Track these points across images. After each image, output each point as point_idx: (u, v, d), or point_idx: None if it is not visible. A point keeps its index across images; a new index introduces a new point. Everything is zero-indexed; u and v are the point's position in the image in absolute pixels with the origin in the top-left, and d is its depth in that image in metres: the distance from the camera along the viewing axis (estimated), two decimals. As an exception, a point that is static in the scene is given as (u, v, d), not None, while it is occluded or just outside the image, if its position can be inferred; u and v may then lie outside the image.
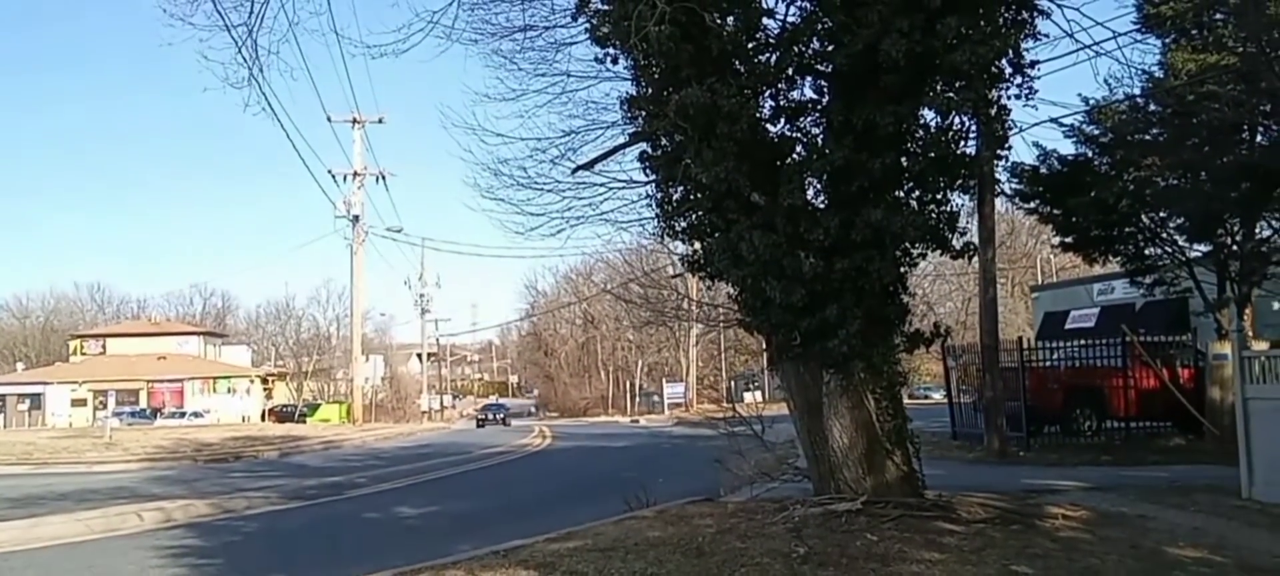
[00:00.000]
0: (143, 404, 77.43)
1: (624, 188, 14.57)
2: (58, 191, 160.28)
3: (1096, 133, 21.68)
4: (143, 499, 18.45)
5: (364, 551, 11.87)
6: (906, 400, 11.92)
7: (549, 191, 14.75)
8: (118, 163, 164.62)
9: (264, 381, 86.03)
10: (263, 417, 75.29)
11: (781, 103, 10.92)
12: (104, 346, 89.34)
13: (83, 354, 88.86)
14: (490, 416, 69.25)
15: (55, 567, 11.64)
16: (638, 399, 78.07)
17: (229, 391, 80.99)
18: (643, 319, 75.79)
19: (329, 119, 51.27)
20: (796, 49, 10.49)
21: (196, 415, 71.20)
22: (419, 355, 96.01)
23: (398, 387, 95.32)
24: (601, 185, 14.61)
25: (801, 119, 10.96)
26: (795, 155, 10.78)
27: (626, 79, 11.75)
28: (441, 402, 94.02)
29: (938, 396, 47.40)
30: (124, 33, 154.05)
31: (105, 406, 72.02)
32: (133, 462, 31.65)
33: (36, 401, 77.96)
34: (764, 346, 13.04)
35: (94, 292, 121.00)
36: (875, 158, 9.87)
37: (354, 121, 54.36)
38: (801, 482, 12.37)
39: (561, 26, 13.01)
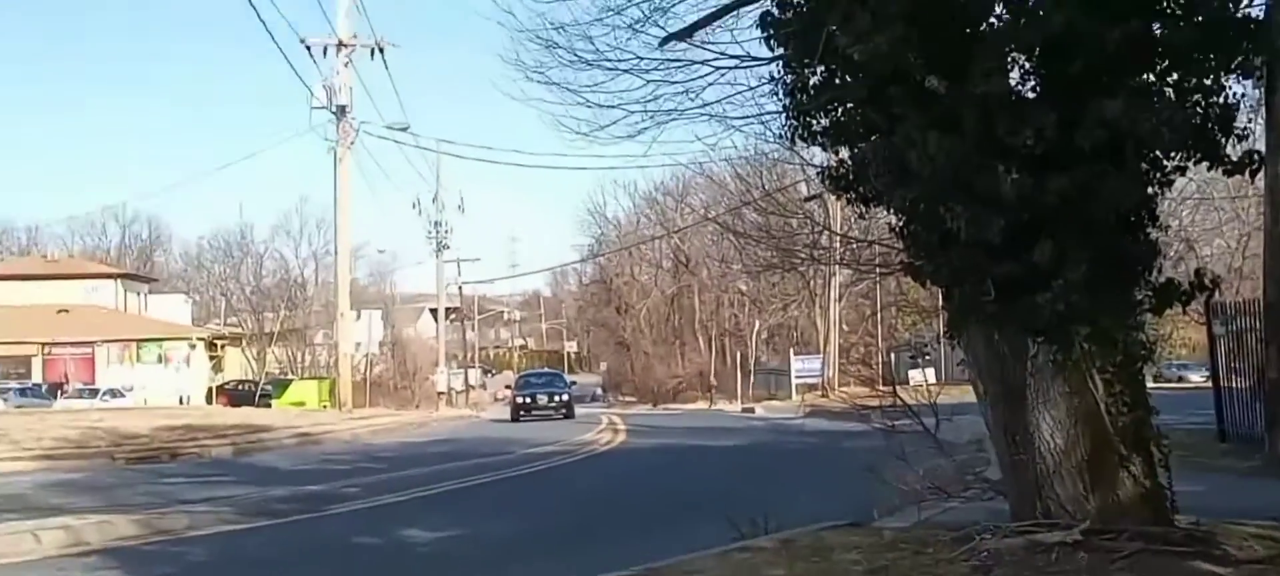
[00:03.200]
0: (36, 378, 78.70)
1: (736, 67, 14.56)
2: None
3: None
4: (39, 512, 18.72)
5: None
6: (1151, 383, 11.81)
7: (626, 72, 14.80)
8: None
9: (211, 347, 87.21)
10: (210, 399, 76.36)
11: (975, -55, 10.85)
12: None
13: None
14: (532, 401, 63.23)
15: None
16: (752, 377, 78.01)
17: (160, 360, 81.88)
18: (762, 261, 75.76)
19: (304, -36, 51.52)
20: None
21: (115, 394, 72.25)
22: (434, 311, 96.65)
23: (404, 357, 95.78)
24: (703, 64, 14.63)
25: (1005, -35, 10.87)
26: (994, 21, 10.68)
27: (743, -95, 11.74)
28: (467, 380, 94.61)
29: (1197, 377, 46.68)
30: None
31: (-22, 382, 73.57)
32: (25, 461, 32.42)
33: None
34: (940, 303, 12.97)
35: None
36: (1114, 24, 9.73)
37: (339, -31, 54.60)
38: (993, 501, 12.38)
39: None
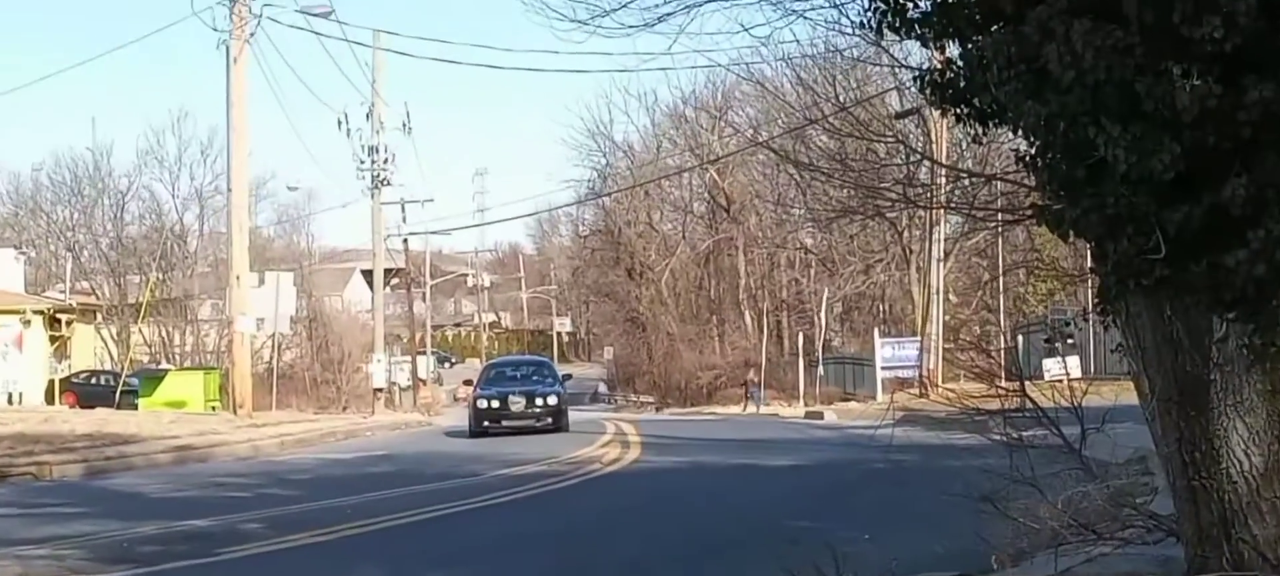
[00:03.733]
0: None
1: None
2: None
3: None
4: None
5: None
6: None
7: (644, -70, 14.86)
8: None
9: (52, 323, 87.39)
10: (51, 397, 76.65)
11: None
12: None
13: None
14: (502, 405, 56.58)
15: None
16: (820, 370, 77.87)
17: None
18: (835, 204, 75.47)
19: None
20: None
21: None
22: (368, 274, 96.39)
23: (327, 340, 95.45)
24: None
25: None
26: None
27: None
28: (415, 372, 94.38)
29: None
30: None
31: None
32: None
33: None
34: (1089, 264, 12.91)
35: None
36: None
37: None
38: (1161, 544, 12.42)
39: None
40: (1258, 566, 10.53)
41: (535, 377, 62.09)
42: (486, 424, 56.08)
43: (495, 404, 57.19)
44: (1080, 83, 10.16)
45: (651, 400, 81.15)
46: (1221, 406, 10.69)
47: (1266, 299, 10.31)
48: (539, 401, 56.92)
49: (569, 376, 75.29)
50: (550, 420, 55.34)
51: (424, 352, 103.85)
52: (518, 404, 56.91)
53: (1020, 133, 11.60)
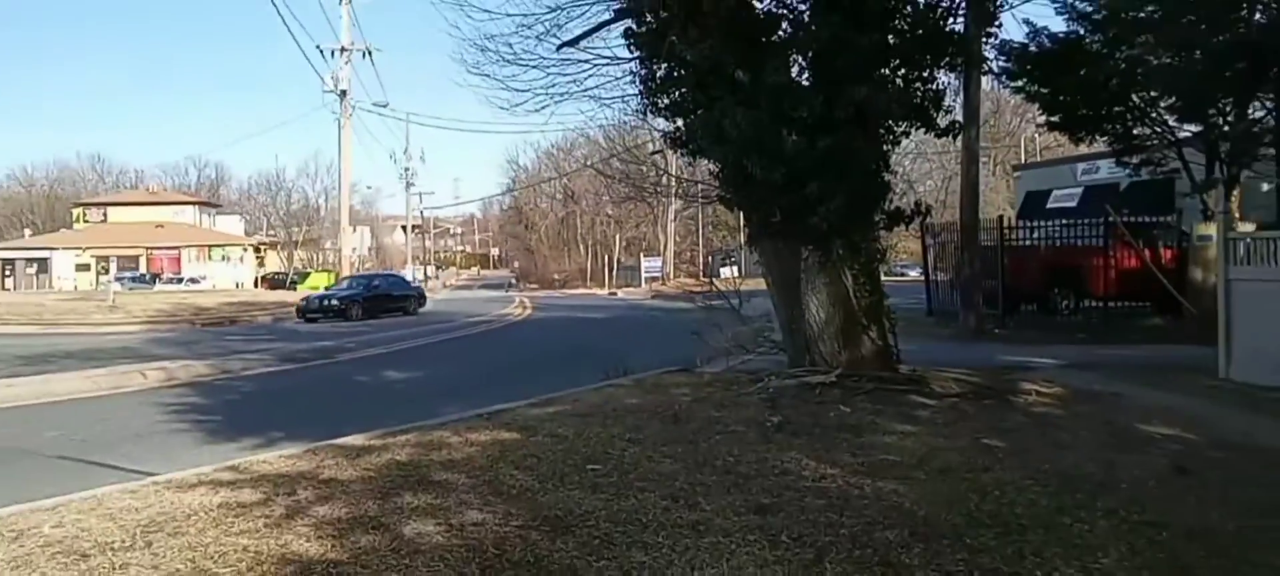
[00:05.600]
0: (142, 270, 77.30)
1: (608, 64, 14.20)
2: (60, 62, 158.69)
3: (1090, 10, 20.69)
4: (146, 359, 18.74)
5: (355, 412, 11.87)
6: (883, 278, 11.69)
7: (534, 67, 14.35)
8: (116, 37, 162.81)
9: (257, 250, 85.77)
10: (256, 284, 75.20)
11: (768, -21, 10.53)
12: (105, 214, 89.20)
13: (85, 221, 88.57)
14: (321, 305, 37.11)
15: (70, 419, 11.79)
16: (616, 273, 77.83)
17: (224, 259, 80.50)
18: (622, 194, 75.44)
19: (317, -8, 49.85)
20: (784, -76, 10.09)
21: (193, 281, 71.18)
22: (404, 227, 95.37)
23: (383, 258, 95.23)
24: (586, 61, 14.23)
25: (788, -4, 10.55)
26: (781, 33, 10.42)
27: (614, -47, 11.37)
28: (426, 273, 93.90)
29: (914, 274, 47.29)
30: None
31: (108, 271, 72.35)
32: (135, 325, 32.05)
33: (43, 266, 78.07)
34: (743, 223, 12.80)
35: (95, 162, 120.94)
36: (862, 35, 9.49)
37: (342, -3, 53.15)
38: (777, 355, 12.25)
39: (548, -103, 12.52)
40: (822, 365, 10.36)
41: (361, 285, 41.58)
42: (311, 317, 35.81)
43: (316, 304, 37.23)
44: (739, 138, 9.87)
45: (536, 287, 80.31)
46: (805, 290, 10.50)
47: (827, 240, 10.12)
48: (343, 301, 37.47)
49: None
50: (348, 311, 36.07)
51: (430, 265, 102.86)
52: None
53: (711, 161, 11.37)
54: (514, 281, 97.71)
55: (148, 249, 79.81)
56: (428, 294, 49.55)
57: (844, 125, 9.65)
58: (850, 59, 9.62)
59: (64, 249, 79.18)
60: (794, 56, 10.38)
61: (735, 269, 54.33)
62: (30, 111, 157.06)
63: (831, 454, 7.30)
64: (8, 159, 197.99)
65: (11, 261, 78.92)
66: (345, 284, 42.38)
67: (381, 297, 39.30)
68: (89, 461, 9.08)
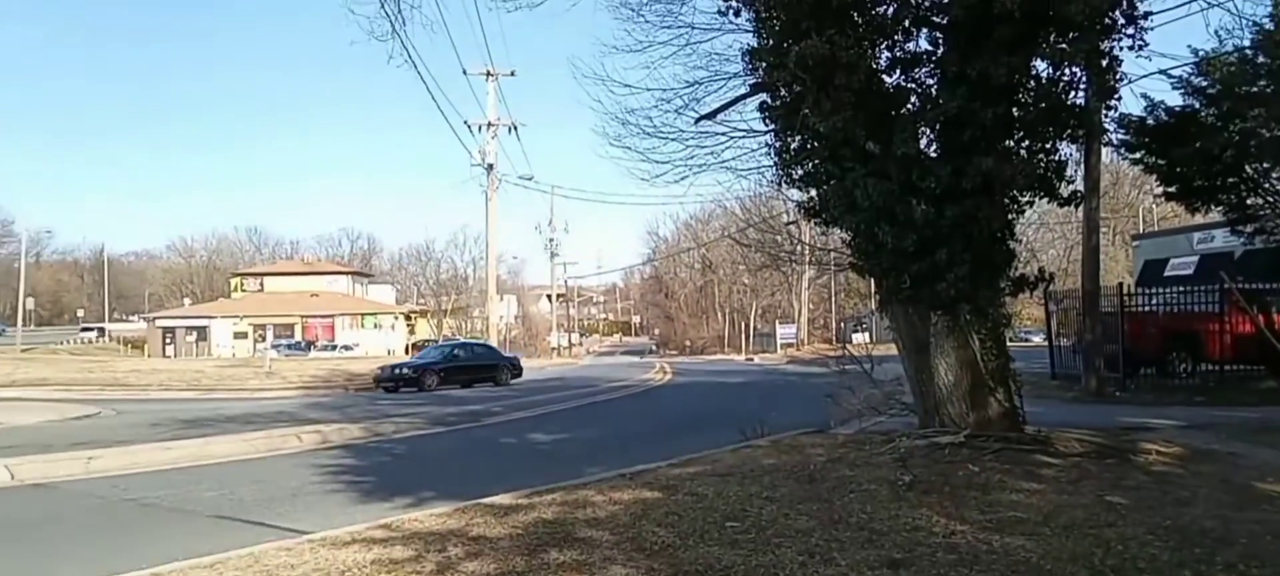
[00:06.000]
0: (298, 337, 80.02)
1: (744, 137, 14.60)
2: (217, 141, 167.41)
3: (1204, 84, 20.93)
4: (301, 422, 19.23)
5: (503, 472, 12.08)
6: (1009, 342, 11.76)
7: (673, 140, 14.88)
8: (270, 114, 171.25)
9: (407, 318, 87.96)
10: (406, 351, 77.02)
11: (897, 54, 10.80)
12: (262, 284, 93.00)
13: (242, 290, 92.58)
14: (394, 375, 34.54)
15: (228, 480, 12.09)
16: (752, 339, 77.63)
17: (375, 326, 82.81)
18: (758, 263, 75.76)
19: (464, 72, 51.34)
20: (913, 1, 10.38)
21: (347, 348, 73.53)
22: (548, 296, 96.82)
23: (529, 326, 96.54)
24: (722, 134, 14.68)
25: (916, 70, 10.80)
26: (909, 105, 10.68)
27: (748, 31, 11.75)
28: (569, 340, 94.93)
29: (1037, 339, 46.50)
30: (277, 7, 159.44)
31: (264, 338, 75.06)
32: (290, 390, 33.07)
33: (202, 333, 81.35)
34: (874, 289, 12.97)
35: (252, 234, 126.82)
36: (987, 108, 9.73)
37: (488, 74, 54.50)
38: (907, 417, 12.33)
39: (686, -21, 13.02)
40: (951, 426, 10.49)
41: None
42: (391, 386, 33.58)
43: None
44: (870, 207, 10.17)
45: (675, 353, 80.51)
46: (935, 354, 10.67)
47: (955, 305, 10.31)
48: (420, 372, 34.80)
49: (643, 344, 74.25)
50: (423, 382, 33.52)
51: (574, 332, 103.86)
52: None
53: (843, 229, 11.62)
54: (654, 347, 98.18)
55: (302, 317, 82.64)
56: (574, 357, 49.40)
57: (971, 194, 9.87)
58: (976, 131, 9.87)
59: (222, 317, 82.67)
60: (922, 128, 10.61)
61: (867, 334, 53.94)
62: (191, 186, 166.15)
63: (961, 511, 7.48)
64: (169, 231, 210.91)
65: (172, 329, 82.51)
66: (427, 352, 40.48)
67: (463, 368, 36.30)
68: (247, 520, 9.35)
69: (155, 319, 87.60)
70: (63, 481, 12.20)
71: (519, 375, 38.50)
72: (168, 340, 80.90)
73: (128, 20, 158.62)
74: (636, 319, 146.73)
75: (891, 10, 10.52)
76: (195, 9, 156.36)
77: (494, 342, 50.50)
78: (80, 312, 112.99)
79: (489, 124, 56.54)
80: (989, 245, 10.43)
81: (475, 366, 37.01)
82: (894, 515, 7.39)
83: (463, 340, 47.74)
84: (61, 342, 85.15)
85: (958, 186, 9.87)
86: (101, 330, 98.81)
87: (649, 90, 15.53)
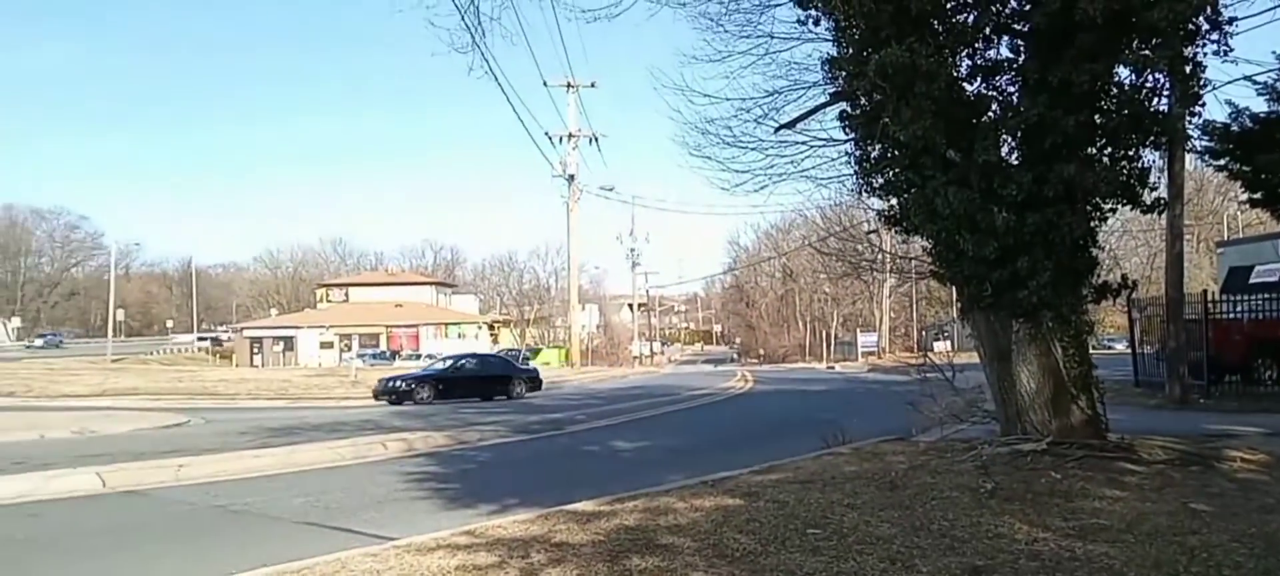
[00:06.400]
0: (382, 346, 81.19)
1: (824, 146, 14.56)
2: (303, 155, 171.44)
3: None
4: (386, 430, 19.36)
5: (585, 479, 12.13)
6: (1091, 349, 11.60)
7: (753, 149, 14.89)
8: (353, 125, 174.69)
9: (490, 327, 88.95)
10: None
11: (978, 62, 10.74)
12: (347, 294, 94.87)
13: (328, 301, 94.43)
14: (387, 388, 32.58)
15: (315, 487, 12.28)
16: (833, 347, 77.11)
17: (459, 336, 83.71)
18: (839, 272, 75.38)
19: (545, 84, 51.90)
20: (994, 8, 10.33)
21: (431, 357, 74.20)
22: (629, 305, 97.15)
23: (610, 334, 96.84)
24: (802, 143, 14.65)
25: (997, 78, 10.73)
26: (990, 113, 10.60)
27: (827, 40, 11.71)
28: (650, 349, 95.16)
29: (1120, 347, 45.69)
30: (359, 17, 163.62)
31: (350, 348, 76.54)
32: (375, 399, 33.22)
33: (289, 343, 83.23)
34: (955, 297, 12.82)
35: (336, 246, 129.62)
36: (1069, 115, 9.63)
37: (568, 86, 55.03)
38: (989, 425, 12.21)
39: (766, -12, 13.05)
40: (1033, 433, 10.39)
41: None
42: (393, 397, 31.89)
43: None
44: (951, 215, 10.13)
45: (756, 361, 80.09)
46: (1016, 361, 10.59)
47: (1037, 312, 10.23)
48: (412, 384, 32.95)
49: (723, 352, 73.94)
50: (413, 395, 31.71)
51: (655, 341, 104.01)
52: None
53: (924, 237, 11.55)
54: (734, 356, 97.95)
55: (387, 327, 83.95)
56: (655, 366, 49.38)
57: (1052, 202, 9.78)
58: (1058, 138, 9.77)
59: (308, 327, 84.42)
60: (1003, 136, 10.51)
61: (948, 342, 53.18)
62: (277, 199, 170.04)
63: (1043, 518, 7.40)
64: (256, 244, 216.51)
65: (260, 339, 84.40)
66: (439, 363, 36.84)
67: (468, 379, 33.71)
68: (333, 527, 9.43)
69: (243, 329, 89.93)
70: (153, 488, 12.40)
71: (537, 388, 36.05)
72: (255, 350, 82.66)
73: (219, 42, 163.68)
74: (717, 328, 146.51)
75: (972, 18, 10.46)
76: (283, 40, 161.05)
77: (576, 352, 50.77)
78: (169, 323, 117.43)
79: (569, 135, 57.07)
80: (1071, 252, 10.32)
81: (485, 378, 34.56)
82: (976, 522, 7.34)
83: (476, 353, 45.85)
84: (150, 352, 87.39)
85: (1039, 194, 9.79)
86: (216, 339, 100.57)
87: (728, 100, 15.57)
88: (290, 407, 30.61)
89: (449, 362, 35.76)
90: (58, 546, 9.03)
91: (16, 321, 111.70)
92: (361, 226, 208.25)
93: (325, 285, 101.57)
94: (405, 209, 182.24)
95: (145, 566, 8.17)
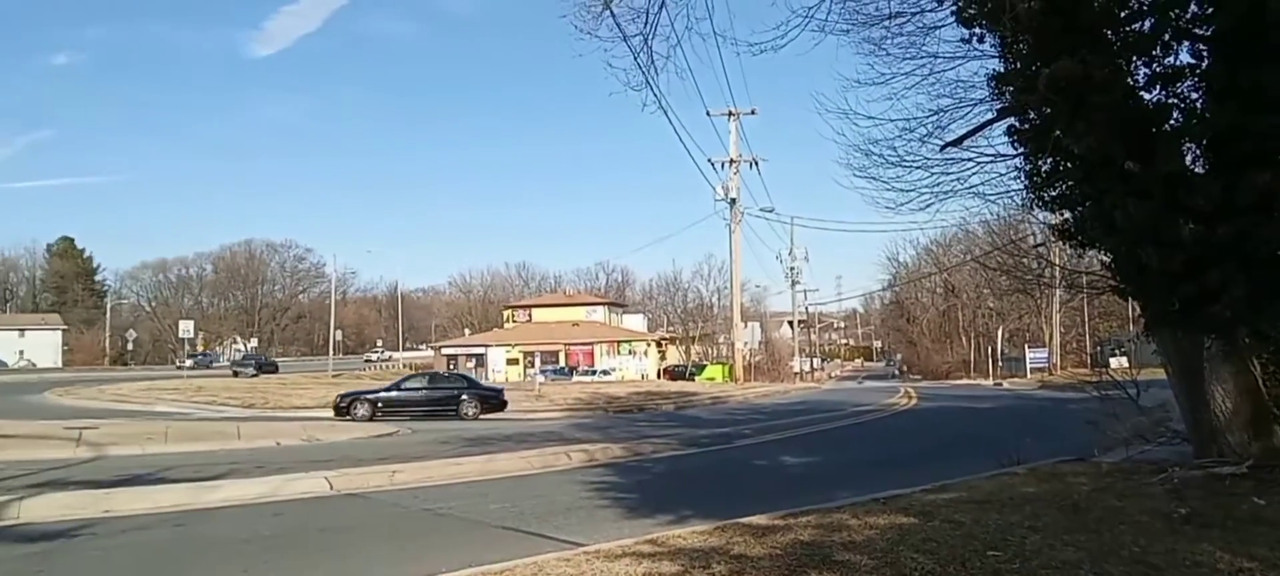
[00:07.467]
0: (562, 362, 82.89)
1: (991, 161, 14.01)
2: (491, 192, 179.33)
3: None
4: (569, 442, 20.11)
5: (756, 493, 12.18)
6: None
7: (918, 168, 14.41)
8: (534, 159, 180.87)
9: (658, 344, 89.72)
10: (658, 375, 78.55)
11: (1156, 69, 10.01)
12: (530, 315, 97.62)
13: (513, 321, 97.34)
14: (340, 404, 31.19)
15: (509, 494, 12.88)
16: (999, 363, 74.44)
17: (630, 353, 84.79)
18: (1004, 287, 72.63)
19: (707, 114, 52.02)
20: (1172, 13, 9.64)
21: (604, 372, 75.48)
22: (790, 322, 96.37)
23: (772, 351, 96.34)
24: (969, 160, 14.13)
25: (1178, 84, 9.95)
26: (1172, 122, 9.89)
27: (993, 56, 11.26)
28: (811, 365, 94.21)
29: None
30: (543, 59, 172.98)
31: (533, 364, 78.30)
32: (557, 412, 34.44)
33: (480, 360, 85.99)
34: (1140, 311, 12.06)
35: (520, 270, 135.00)
36: (1262, 118, 8.87)
37: (729, 115, 55.13)
38: (1178, 446, 11.46)
39: (928, 11, 12.61)
40: (1231, 456, 9.63)
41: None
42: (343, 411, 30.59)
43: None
44: (1131, 229, 9.51)
45: (918, 377, 78.21)
46: (1210, 380, 9.86)
47: (1232, 329, 9.47)
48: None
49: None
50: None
51: (815, 357, 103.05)
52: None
53: (1103, 251, 10.98)
54: (896, 372, 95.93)
55: (565, 344, 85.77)
56: (816, 381, 48.84)
57: (1245, 212, 9.00)
58: (1249, 144, 9.01)
59: (496, 345, 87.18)
60: (1186, 145, 9.83)
61: (1125, 359, 50.49)
62: (469, 227, 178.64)
63: (1248, 547, 6.81)
64: (450, 269, 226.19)
65: (454, 357, 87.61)
66: (408, 381, 34.47)
67: (411, 402, 31.35)
68: (528, 531, 9.86)
69: (440, 347, 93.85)
70: (372, 492, 13.35)
71: (498, 409, 32.91)
72: (451, 366, 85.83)
73: (419, 83, 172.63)
74: (877, 344, 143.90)
75: (1149, 25, 9.80)
76: (473, 84, 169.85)
77: (739, 368, 50.72)
78: (379, 343, 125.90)
79: (731, 161, 57.20)
80: (1268, 265, 9.50)
81: (438, 399, 31.86)
82: (1171, 549, 6.82)
83: (434, 372, 43.23)
84: (363, 367, 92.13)
85: (1230, 203, 9.04)
86: (452, 358, 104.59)
87: (891, 121, 15.08)
88: (482, 420, 31.00)
89: (397, 384, 33.71)
90: (299, 543, 9.89)
91: (253, 342, 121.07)
92: (543, 251, 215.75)
93: (511, 306, 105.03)
94: (581, 235, 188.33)
95: (371, 565, 8.74)
